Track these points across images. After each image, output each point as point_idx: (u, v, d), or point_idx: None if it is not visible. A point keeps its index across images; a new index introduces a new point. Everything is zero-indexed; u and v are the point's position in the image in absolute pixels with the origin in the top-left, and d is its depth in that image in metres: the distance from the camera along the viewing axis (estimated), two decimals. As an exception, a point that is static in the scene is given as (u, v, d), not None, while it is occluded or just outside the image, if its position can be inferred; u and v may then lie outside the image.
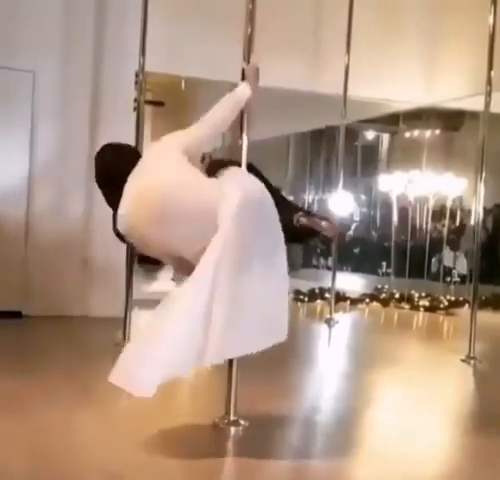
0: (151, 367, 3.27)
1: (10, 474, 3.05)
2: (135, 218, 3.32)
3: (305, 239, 3.76)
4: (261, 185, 3.58)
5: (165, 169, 3.36)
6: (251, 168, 3.85)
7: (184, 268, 3.52)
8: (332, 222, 4.19)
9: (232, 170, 3.69)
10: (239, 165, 3.77)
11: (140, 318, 6.06)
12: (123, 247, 6.69)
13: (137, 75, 6.25)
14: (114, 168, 3.44)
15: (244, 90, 3.68)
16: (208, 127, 3.57)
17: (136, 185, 3.32)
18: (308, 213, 4.02)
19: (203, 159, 3.70)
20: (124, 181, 3.34)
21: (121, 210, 3.34)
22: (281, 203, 3.69)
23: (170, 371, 3.32)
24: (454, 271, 12.79)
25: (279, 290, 3.57)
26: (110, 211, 3.45)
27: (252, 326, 3.45)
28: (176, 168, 3.38)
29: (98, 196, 3.53)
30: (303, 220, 3.86)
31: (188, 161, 3.41)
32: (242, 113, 3.80)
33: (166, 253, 3.52)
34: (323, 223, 3.92)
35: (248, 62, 3.84)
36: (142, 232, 3.37)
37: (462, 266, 12.62)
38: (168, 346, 3.31)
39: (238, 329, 3.39)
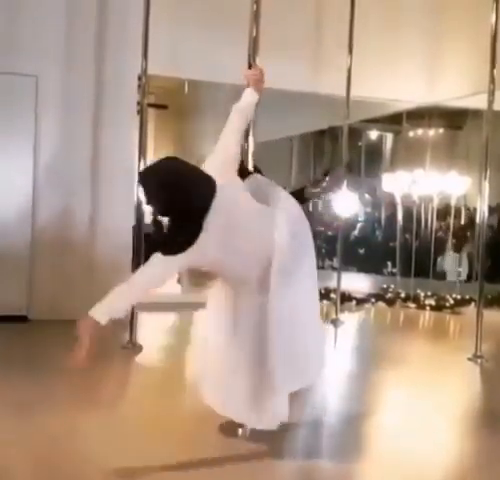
0: None
1: (14, 476, 3.05)
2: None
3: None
4: (299, 208, 3.59)
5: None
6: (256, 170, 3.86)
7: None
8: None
9: (268, 186, 3.65)
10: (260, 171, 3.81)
11: (146, 321, 6.07)
12: (129, 250, 6.72)
13: (140, 78, 6.26)
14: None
15: (252, 95, 3.64)
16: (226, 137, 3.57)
17: None
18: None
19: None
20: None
21: None
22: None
23: None
24: (460, 269, 12.76)
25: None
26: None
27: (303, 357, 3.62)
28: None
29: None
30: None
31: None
32: None
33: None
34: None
35: (254, 63, 3.84)
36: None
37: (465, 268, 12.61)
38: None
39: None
